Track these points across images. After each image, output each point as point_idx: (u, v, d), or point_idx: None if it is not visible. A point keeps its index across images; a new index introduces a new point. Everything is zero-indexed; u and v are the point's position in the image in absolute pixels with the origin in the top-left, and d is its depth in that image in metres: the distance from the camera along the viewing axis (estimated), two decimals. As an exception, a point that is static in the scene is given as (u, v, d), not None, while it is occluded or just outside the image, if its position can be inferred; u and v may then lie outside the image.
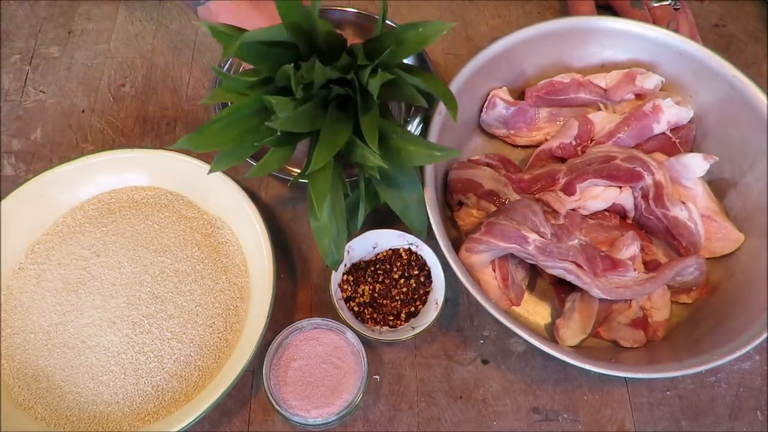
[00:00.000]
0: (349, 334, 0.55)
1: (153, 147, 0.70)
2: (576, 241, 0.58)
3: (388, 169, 0.50)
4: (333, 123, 0.50)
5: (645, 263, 0.61)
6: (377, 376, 0.59)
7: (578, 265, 0.56)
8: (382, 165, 0.49)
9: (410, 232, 0.61)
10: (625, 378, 0.60)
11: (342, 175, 0.54)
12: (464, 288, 0.55)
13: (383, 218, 0.67)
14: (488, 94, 0.69)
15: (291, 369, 0.54)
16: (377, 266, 0.61)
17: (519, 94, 0.72)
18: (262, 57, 0.50)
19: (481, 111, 0.69)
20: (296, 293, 0.63)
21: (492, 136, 0.72)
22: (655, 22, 0.74)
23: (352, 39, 0.68)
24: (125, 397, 0.54)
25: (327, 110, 0.51)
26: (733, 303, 0.59)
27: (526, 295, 0.62)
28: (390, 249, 0.62)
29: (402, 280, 0.61)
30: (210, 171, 0.53)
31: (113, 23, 0.81)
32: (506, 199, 0.62)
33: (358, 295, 0.60)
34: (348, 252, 0.60)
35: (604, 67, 0.71)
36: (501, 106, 0.68)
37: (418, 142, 0.51)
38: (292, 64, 0.48)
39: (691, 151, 0.68)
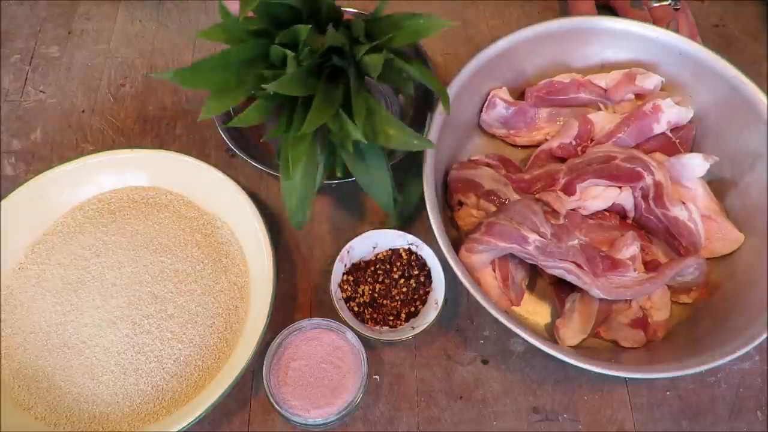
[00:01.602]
0: (350, 335, 0.55)
1: (153, 147, 0.70)
2: (576, 241, 0.58)
3: (365, 145, 0.52)
4: (326, 91, 0.51)
5: (645, 263, 0.61)
6: (377, 376, 0.59)
7: (578, 265, 0.56)
8: (362, 139, 0.49)
9: (410, 232, 0.61)
10: (625, 378, 0.60)
11: (317, 139, 0.54)
12: (464, 288, 0.55)
13: (383, 218, 0.67)
14: (488, 94, 0.69)
15: (291, 369, 0.54)
16: (377, 266, 0.61)
17: (519, 94, 0.72)
18: (267, 13, 0.51)
19: (481, 111, 0.69)
20: (296, 293, 0.63)
21: (492, 136, 0.72)
22: (655, 22, 0.74)
23: None
24: (125, 397, 0.54)
25: (320, 79, 0.52)
26: (733, 303, 0.59)
27: (526, 295, 0.62)
28: (390, 249, 0.62)
29: (402, 280, 0.61)
30: (200, 118, 0.51)
31: (113, 23, 0.81)
32: (506, 199, 0.62)
33: (358, 295, 0.60)
34: (348, 252, 0.60)
35: (604, 67, 0.71)
36: (501, 106, 0.68)
37: (399, 127, 0.52)
38: (309, 26, 0.49)
39: (691, 151, 0.68)
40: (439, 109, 0.62)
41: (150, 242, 0.60)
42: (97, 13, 0.82)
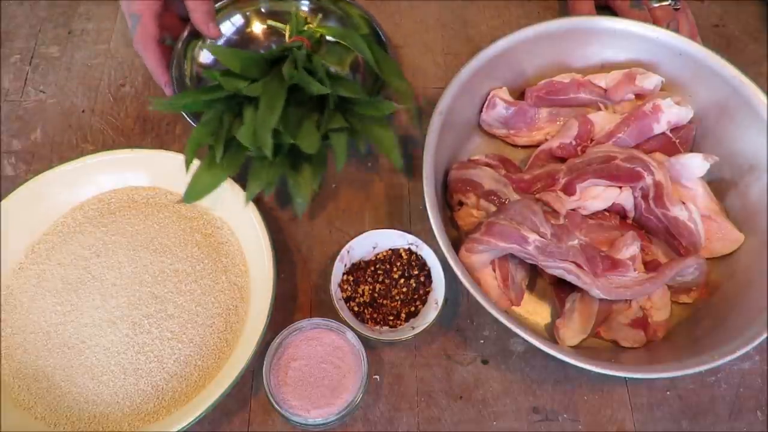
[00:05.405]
0: (350, 334, 0.55)
1: (153, 147, 0.70)
2: (576, 241, 0.58)
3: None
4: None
5: (645, 263, 0.61)
6: (377, 376, 0.59)
7: (578, 265, 0.56)
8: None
9: (410, 232, 0.61)
10: (625, 378, 0.60)
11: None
12: (464, 288, 0.55)
13: (384, 218, 0.67)
14: (488, 94, 0.69)
15: (291, 369, 0.54)
16: (377, 266, 0.61)
17: (519, 94, 0.72)
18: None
19: (481, 111, 0.69)
20: (296, 293, 0.63)
21: (492, 136, 0.72)
22: (655, 22, 0.74)
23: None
24: (125, 397, 0.54)
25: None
26: (733, 303, 0.59)
27: (526, 295, 0.62)
28: (390, 249, 0.62)
29: (402, 280, 0.61)
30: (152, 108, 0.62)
31: (113, 23, 0.81)
32: (506, 199, 0.62)
33: (358, 295, 0.60)
34: (348, 252, 0.60)
35: (604, 67, 0.71)
36: (501, 106, 0.68)
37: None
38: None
39: (691, 151, 0.68)
40: (439, 109, 0.62)
41: (150, 242, 0.60)
42: (97, 13, 0.82)
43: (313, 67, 0.62)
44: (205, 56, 0.72)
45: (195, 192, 0.60)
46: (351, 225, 0.67)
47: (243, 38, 0.75)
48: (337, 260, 0.59)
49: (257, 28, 0.75)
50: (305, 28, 0.68)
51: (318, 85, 0.60)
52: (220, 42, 0.73)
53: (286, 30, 0.68)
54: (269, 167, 0.60)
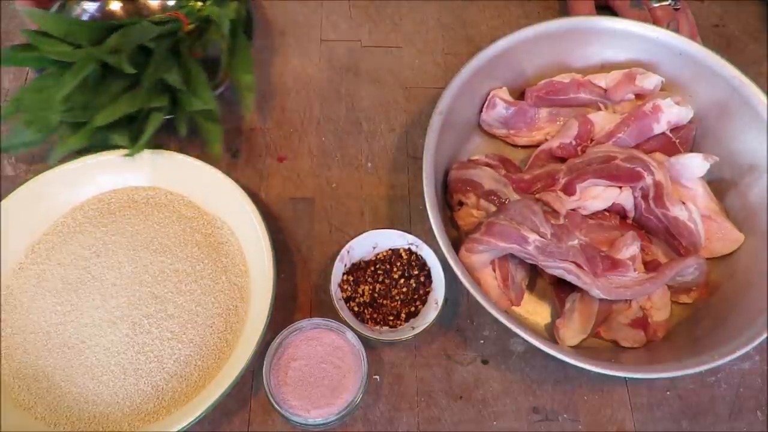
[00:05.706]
0: (349, 334, 0.55)
1: (153, 147, 0.70)
2: (576, 241, 0.58)
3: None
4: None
5: (645, 263, 0.61)
6: (377, 376, 0.59)
7: (578, 266, 0.56)
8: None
9: (410, 232, 0.61)
10: (625, 378, 0.60)
11: None
12: (464, 288, 0.55)
13: (384, 218, 0.67)
14: (488, 94, 0.69)
15: (291, 369, 0.54)
16: (377, 266, 0.61)
17: (519, 94, 0.72)
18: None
19: (481, 111, 0.69)
20: (296, 293, 0.63)
21: (492, 136, 0.72)
22: (655, 22, 0.74)
23: None
24: (125, 397, 0.54)
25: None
26: (733, 303, 0.59)
27: (526, 295, 0.62)
28: (390, 249, 0.62)
29: (402, 280, 0.61)
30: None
31: (113, 23, 0.80)
32: (506, 199, 0.62)
33: (358, 295, 0.60)
34: (348, 252, 0.60)
35: (604, 67, 0.71)
36: (501, 106, 0.68)
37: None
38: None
39: (691, 151, 0.68)
40: (439, 109, 0.62)
41: (150, 242, 0.60)
42: (97, 13, 0.81)
43: (156, 46, 0.62)
44: (77, 14, 0.72)
45: (11, 146, 0.63)
46: (351, 225, 0.67)
47: (104, 14, 0.74)
48: (337, 260, 0.59)
49: (115, 6, 0.75)
50: (189, 4, 0.68)
51: (125, 65, 0.60)
52: (84, 17, 0.73)
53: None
54: (76, 134, 0.61)
